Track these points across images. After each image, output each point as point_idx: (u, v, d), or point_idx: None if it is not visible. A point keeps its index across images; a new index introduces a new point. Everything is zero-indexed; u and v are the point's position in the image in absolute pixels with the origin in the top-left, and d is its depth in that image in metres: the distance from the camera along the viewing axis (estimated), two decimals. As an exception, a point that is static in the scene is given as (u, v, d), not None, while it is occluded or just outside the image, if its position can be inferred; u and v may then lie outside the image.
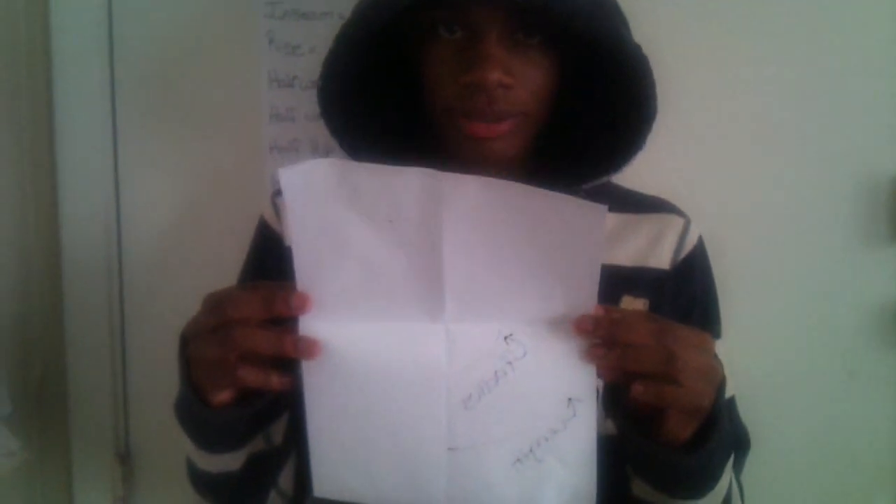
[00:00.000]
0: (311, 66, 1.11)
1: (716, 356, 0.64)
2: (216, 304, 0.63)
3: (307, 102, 1.13)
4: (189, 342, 0.66)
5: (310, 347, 0.61)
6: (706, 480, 0.68)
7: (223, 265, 0.95)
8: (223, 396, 0.65)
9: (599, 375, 0.62)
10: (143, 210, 1.19)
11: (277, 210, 0.90)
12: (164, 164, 1.18)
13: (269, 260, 0.89)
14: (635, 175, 0.89)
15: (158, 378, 1.20)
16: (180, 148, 1.18)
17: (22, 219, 1.17)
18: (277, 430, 0.79)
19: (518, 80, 0.75)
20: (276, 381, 0.63)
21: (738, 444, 0.88)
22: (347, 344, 0.61)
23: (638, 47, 0.76)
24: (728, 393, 0.83)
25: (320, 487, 0.64)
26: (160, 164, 1.18)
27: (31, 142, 1.17)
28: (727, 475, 0.71)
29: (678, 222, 0.88)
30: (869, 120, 1.10)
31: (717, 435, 0.64)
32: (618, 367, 0.61)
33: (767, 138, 1.11)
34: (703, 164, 1.12)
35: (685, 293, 0.86)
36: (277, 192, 0.93)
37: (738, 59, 1.10)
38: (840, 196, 1.12)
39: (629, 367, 0.60)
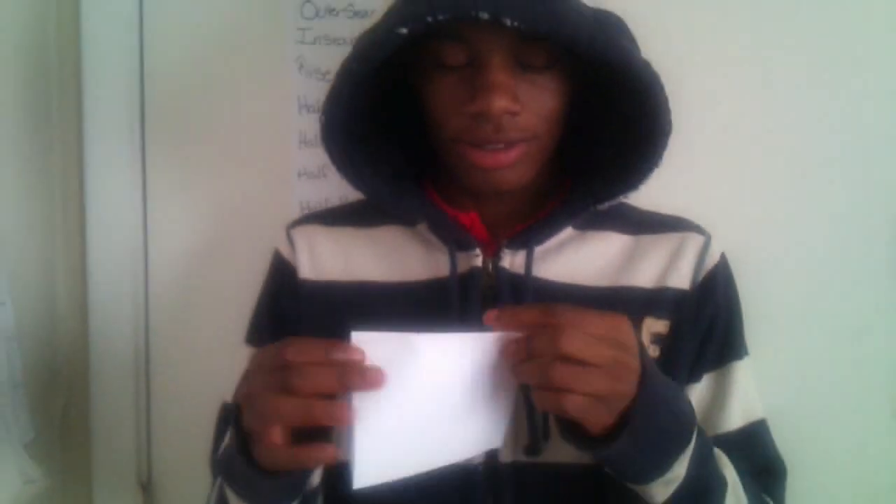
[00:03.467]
0: (340, 91, 1.12)
1: (642, 348, 0.65)
2: (276, 352, 0.62)
3: (336, 128, 1.13)
4: (242, 400, 0.65)
5: (375, 377, 0.59)
6: (645, 469, 0.67)
7: (251, 293, 0.94)
8: (278, 439, 0.61)
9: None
10: (171, 237, 1.19)
11: (293, 242, 0.90)
12: (193, 190, 1.18)
13: (284, 293, 0.89)
14: (656, 197, 0.88)
15: (181, 407, 1.19)
16: (209, 173, 1.18)
17: (49, 245, 1.17)
18: (316, 474, 0.77)
19: (525, 106, 0.74)
20: (345, 414, 0.60)
21: (767, 470, 0.85)
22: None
23: (647, 64, 0.75)
24: (756, 415, 0.85)
25: (360, 480, 0.62)
26: (188, 190, 1.18)
27: (61, 167, 1.17)
28: (682, 467, 0.68)
29: (698, 240, 0.86)
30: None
31: (635, 423, 0.62)
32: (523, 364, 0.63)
33: (800, 173, 1.10)
34: (738, 205, 1.10)
35: (706, 313, 0.84)
36: (293, 225, 0.93)
37: (769, 81, 1.09)
38: (877, 232, 1.10)
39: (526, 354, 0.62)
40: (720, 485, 0.74)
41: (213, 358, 1.16)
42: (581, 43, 0.70)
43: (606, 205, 0.83)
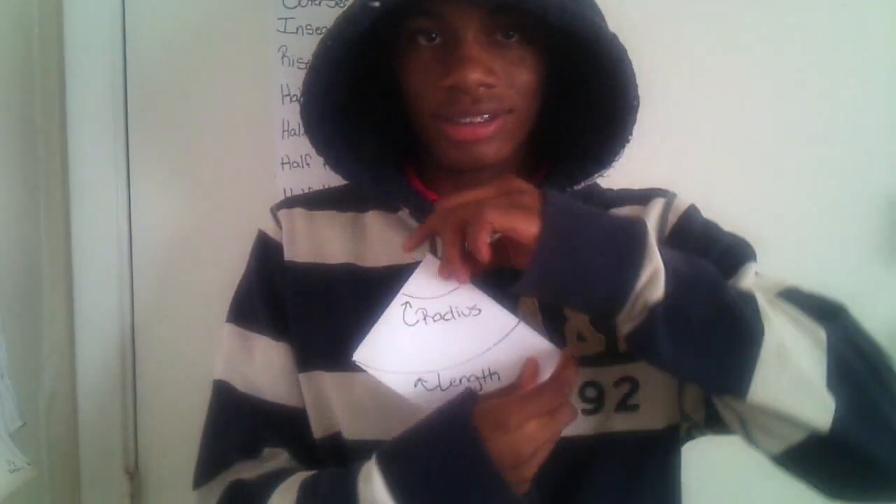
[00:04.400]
0: (323, 81, 1.12)
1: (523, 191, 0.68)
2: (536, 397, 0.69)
3: (319, 117, 1.13)
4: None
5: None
6: (590, 281, 0.66)
7: (235, 279, 0.94)
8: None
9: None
10: (155, 226, 1.19)
11: (279, 222, 0.91)
12: (177, 180, 1.18)
13: (275, 271, 0.89)
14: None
15: (167, 394, 1.20)
16: (193, 163, 1.18)
17: (33, 233, 1.17)
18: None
19: (501, 80, 0.76)
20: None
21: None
22: None
23: (614, 37, 0.76)
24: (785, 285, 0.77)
25: (361, 354, 0.73)
26: (172, 180, 1.18)
27: (44, 154, 1.17)
28: (653, 288, 0.64)
29: (659, 203, 0.87)
30: (892, 139, 1.09)
31: (546, 223, 0.65)
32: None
33: (787, 159, 1.11)
34: (724, 186, 1.11)
35: None
36: (278, 207, 0.93)
37: (751, 69, 1.11)
38: (861, 216, 1.12)
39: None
40: (741, 302, 0.66)
41: (198, 346, 1.17)
42: (550, 12, 0.71)
43: (582, 184, 0.84)
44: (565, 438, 0.72)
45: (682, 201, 0.88)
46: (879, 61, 1.10)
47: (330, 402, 0.84)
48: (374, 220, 0.88)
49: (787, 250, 1.10)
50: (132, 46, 1.16)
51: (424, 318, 0.73)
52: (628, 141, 0.81)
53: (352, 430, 0.83)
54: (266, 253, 0.91)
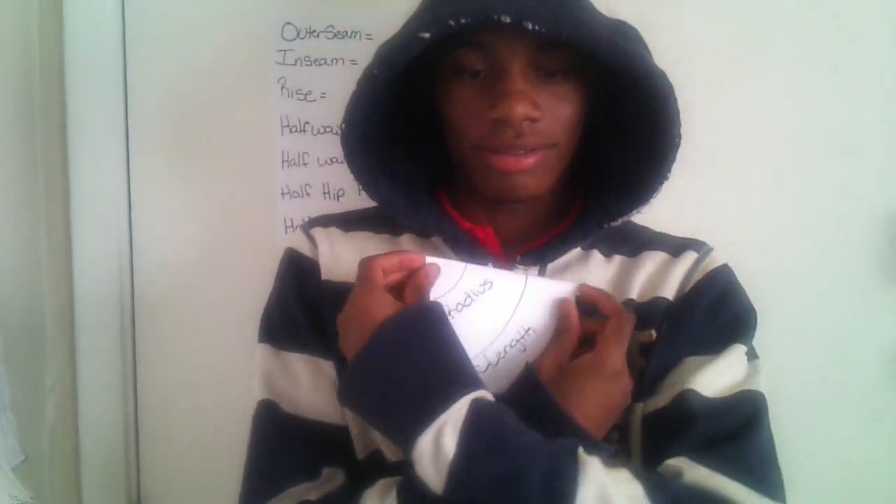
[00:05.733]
0: (322, 111, 1.13)
1: None
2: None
3: (319, 147, 1.14)
4: None
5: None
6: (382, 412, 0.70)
7: (236, 309, 0.95)
8: None
9: None
10: (156, 254, 1.20)
11: (314, 241, 0.88)
12: (178, 209, 1.19)
13: (311, 289, 0.86)
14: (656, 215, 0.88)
15: (170, 424, 1.20)
16: (194, 192, 1.18)
17: (35, 258, 1.18)
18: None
19: (546, 114, 0.75)
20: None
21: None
22: None
23: (663, 74, 0.76)
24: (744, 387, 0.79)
25: None
26: (173, 209, 1.19)
27: (46, 184, 1.18)
28: (444, 438, 0.65)
29: (691, 256, 0.86)
30: (889, 158, 1.10)
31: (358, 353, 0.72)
32: None
33: (787, 176, 1.12)
34: (720, 201, 1.12)
35: (688, 317, 0.82)
36: (310, 224, 0.91)
37: (759, 95, 1.11)
38: (860, 236, 1.11)
39: None
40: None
41: (201, 374, 1.17)
42: (602, 49, 0.71)
43: (619, 220, 0.84)
44: None
45: (714, 259, 0.86)
46: (877, 79, 1.10)
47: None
48: (408, 244, 0.88)
49: (786, 267, 1.11)
50: (133, 80, 1.17)
51: (449, 313, 0.76)
52: (666, 178, 0.80)
53: (392, 448, 0.80)
54: (300, 271, 0.88)
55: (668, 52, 0.94)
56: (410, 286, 0.76)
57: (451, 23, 0.69)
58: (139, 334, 1.21)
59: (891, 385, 1.11)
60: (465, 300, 0.78)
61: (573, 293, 0.80)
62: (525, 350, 0.78)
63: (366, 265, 0.76)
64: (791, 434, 1.06)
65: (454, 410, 0.66)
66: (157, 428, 1.21)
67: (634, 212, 0.83)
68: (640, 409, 0.80)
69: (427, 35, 0.71)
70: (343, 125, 0.80)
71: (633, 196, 0.82)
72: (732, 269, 0.87)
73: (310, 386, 0.84)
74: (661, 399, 0.79)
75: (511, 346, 0.78)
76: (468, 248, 0.83)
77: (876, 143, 1.10)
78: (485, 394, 0.70)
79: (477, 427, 0.65)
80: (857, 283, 1.12)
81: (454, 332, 0.73)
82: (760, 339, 1.04)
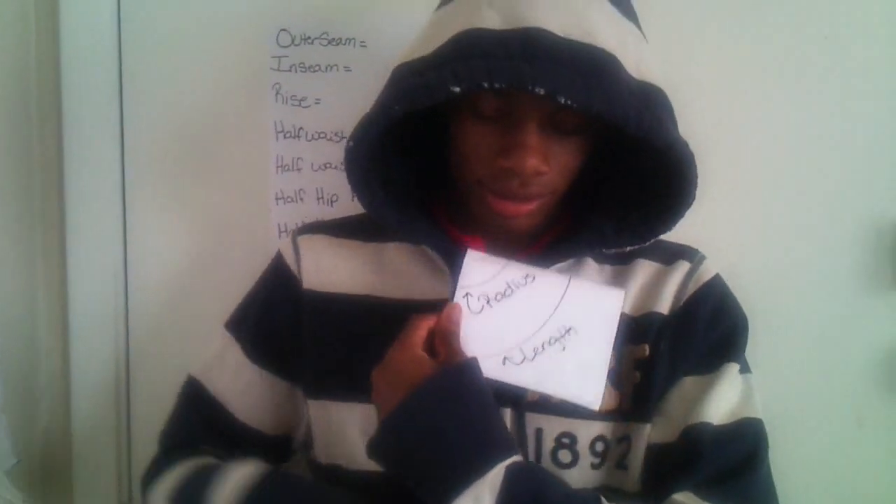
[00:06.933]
0: (316, 117, 1.14)
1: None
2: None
3: (313, 153, 1.14)
4: None
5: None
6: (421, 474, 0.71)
7: (229, 313, 0.95)
8: None
9: None
10: (151, 260, 1.20)
11: (298, 251, 0.91)
12: (172, 214, 1.19)
13: (279, 301, 0.91)
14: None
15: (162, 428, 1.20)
16: (188, 197, 1.19)
17: (29, 270, 1.18)
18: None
19: (553, 167, 0.77)
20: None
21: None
22: None
23: (686, 145, 0.76)
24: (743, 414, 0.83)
25: None
26: (168, 214, 1.19)
27: (41, 193, 1.18)
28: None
29: (684, 267, 0.87)
30: (875, 166, 1.11)
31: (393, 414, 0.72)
32: None
33: (775, 183, 1.13)
34: (710, 206, 1.10)
35: (685, 335, 0.84)
36: (300, 232, 0.93)
37: (749, 103, 1.12)
38: (846, 242, 1.13)
39: None
40: None
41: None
42: (630, 125, 0.71)
43: (613, 252, 0.86)
44: None
45: (707, 270, 0.88)
46: (867, 87, 1.11)
47: (338, 431, 0.85)
48: (397, 252, 0.89)
49: (773, 273, 1.12)
50: (127, 83, 1.17)
51: (488, 302, 0.78)
52: (670, 230, 0.82)
53: (359, 460, 0.81)
54: (278, 281, 0.92)
55: (663, 58, 0.96)
56: (439, 336, 0.77)
57: (486, 85, 0.69)
58: (132, 337, 1.21)
59: (876, 391, 1.12)
60: (506, 290, 0.80)
61: (621, 299, 0.81)
62: (564, 350, 0.79)
63: (411, 324, 0.78)
64: (776, 439, 1.08)
65: (491, 475, 0.69)
66: (150, 432, 1.21)
67: (631, 248, 0.85)
68: (647, 431, 0.82)
69: (458, 90, 0.70)
70: (350, 142, 0.80)
71: (633, 233, 0.84)
72: (723, 277, 0.88)
73: (233, 375, 0.92)
74: (670, 432, 0.81)
75: (550, 344, 0.79)
76: (457, 257, 0.84)
77: (864, 150, 1.11)
78: (518, 458, 0.72)
79: (514, 492, 0.69)
80: (843, 289, 1.13)
81: (488, 388, 0.74)
82: (748, 348, 1.06)
